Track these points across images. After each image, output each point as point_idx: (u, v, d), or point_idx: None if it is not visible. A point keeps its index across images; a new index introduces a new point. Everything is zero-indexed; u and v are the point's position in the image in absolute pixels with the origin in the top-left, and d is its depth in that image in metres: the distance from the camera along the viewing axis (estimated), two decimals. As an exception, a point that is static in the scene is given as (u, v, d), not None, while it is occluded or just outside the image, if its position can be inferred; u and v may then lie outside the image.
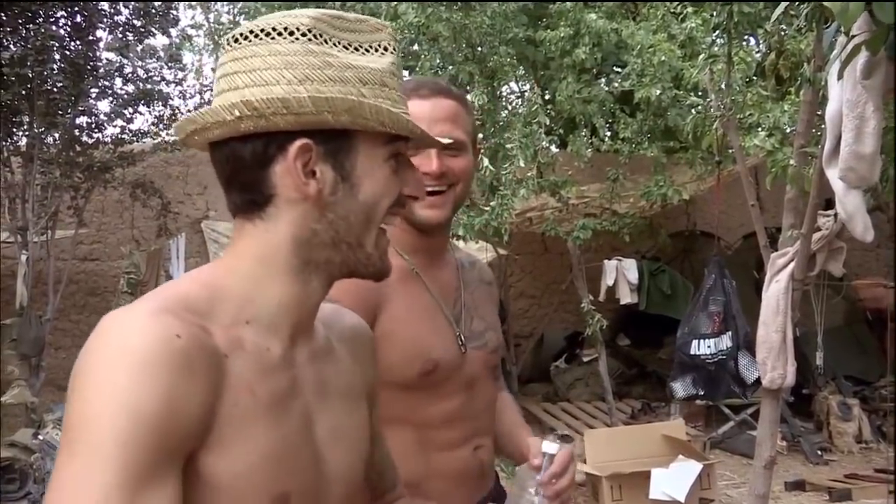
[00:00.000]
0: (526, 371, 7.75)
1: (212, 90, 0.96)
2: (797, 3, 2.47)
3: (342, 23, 0.92)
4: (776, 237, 3.31)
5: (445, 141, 1.12)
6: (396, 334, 1.43)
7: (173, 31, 7.89)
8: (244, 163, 0.90)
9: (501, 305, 6.51)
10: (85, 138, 6.98)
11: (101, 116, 7.18)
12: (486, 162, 4.80)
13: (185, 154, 7.71)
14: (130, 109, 7.26)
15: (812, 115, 2.77)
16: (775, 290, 2.85)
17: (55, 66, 6.56)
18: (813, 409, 6.56)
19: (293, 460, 0.88)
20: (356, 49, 0.92)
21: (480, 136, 5.06)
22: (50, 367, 6.62)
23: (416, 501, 1.26)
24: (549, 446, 1.30)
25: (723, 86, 3.79)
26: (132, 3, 7.14)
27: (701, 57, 4.16)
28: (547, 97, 6.60)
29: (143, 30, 7.12)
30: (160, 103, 7.47)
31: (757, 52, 5.49)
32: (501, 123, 5.58)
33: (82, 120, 7.01)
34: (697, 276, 7.19)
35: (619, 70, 7.67)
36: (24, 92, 6.33)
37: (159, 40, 10.32)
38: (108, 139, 7.18)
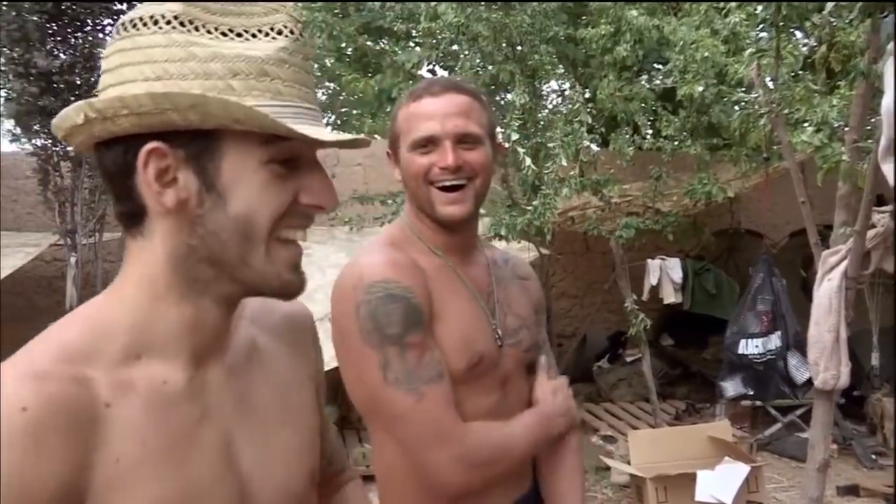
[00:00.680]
0: (568, 371, 7.68)
1: None
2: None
3: (223, 6, 0.80)
4: (825, 235, 3.23)
5: (342, 137, 0.81)
6: (446, 325, 1.42)
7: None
8: (109, 171, 0.81)
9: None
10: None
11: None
12: (528, 161, 4.76)
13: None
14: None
15: (865, 108, 2.70)
16: (827, 289, 2.79)
17: (102, 73, 6.70)
18: (865, 411, 6.37)
19: (205, 501, 0.81)
20: (239, 35, 0.80)
21: (522, 135, 5.04)
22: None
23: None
24: None
25: (769, 81, 3.71)
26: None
27: (747, 52, 4.07)
28: (588, 95, 6.54)
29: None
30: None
31: (804, 46, 5.36)
32: (543, 122, 5.55)
33: (128, 125, 7.15)
34: (742, 275, 7.09)
35: (660, 67, 7.58)
36: (73, 98, 6.46)
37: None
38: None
